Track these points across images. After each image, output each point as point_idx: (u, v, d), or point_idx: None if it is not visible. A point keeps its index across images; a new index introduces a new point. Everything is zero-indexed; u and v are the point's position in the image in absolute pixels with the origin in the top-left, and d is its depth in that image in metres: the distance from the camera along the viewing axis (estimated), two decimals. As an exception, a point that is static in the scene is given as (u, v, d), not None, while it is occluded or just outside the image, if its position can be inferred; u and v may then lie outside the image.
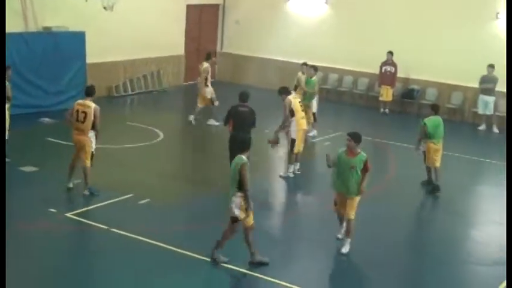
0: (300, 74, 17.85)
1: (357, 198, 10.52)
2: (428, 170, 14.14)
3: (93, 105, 12.10)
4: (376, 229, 11.76)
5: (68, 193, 12.37)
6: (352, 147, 10.37)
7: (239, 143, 12.82)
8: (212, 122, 18.37)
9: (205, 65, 18.40)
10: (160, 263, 9.87)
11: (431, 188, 14.04)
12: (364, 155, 10.40)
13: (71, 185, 12.46)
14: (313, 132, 17.83)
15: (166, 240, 10.46)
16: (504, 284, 9.84)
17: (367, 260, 10.50)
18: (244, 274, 9.69)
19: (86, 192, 12.27)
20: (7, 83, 13.49)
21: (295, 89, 17.28)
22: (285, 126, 14.11)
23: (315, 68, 17.83)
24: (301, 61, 18.48)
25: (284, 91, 14.26)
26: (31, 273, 9.37)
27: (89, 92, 12.37)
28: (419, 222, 13.02)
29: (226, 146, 13.04)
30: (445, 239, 11.78)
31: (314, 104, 17.62)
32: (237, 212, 9.60)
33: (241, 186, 9.54)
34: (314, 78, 17.63)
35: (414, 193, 14.29)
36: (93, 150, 12.27)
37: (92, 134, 12.18)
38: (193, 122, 18.39)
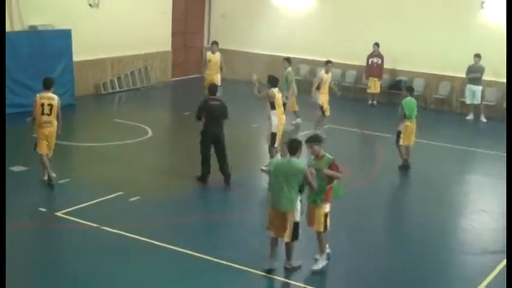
0: (322, 72, 17.57)
1: (323, 208, 9.62)
2: (400, 150, 14.44)
3: (55, 96, 12.40)
4: (365, 221, 11.79)
5: (57, 192, 12.35)
6: (316, 152, 9.58)
7: (216, 141, 12.92)
8: None
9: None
10: (152, 260, 9.85)
11: (402, 165, 14.41)
12: (330, 157, 9.58)
13: (55, 181, 12.49)
14: (298, 120, 18.09)
15: (158, 237, 10.44)
16: (495, 271, 9.95)
17: (358, 252, 10.52)
18: (239, 269, 9.67)
19: (46, 178, 12.47)
20: None
21: (318, 88, 17.27)
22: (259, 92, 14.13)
23: (289, 60, 17.69)
24: (284, 55, 18.39)
25: (271, 81, 14.00)
26: (21, 273, 9.31)
27: (49, 85, 12.46)
28: (409, 213, 13.03)
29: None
30: (435, 228, 11.81)
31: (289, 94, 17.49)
32: (299, 216, 9.48)
33: (301, 189, 9.38)
34: (289, 69, 17.55)
35: (403, 184, 14.34)
36: None
37: (55, 124, 12.50)
38: None
